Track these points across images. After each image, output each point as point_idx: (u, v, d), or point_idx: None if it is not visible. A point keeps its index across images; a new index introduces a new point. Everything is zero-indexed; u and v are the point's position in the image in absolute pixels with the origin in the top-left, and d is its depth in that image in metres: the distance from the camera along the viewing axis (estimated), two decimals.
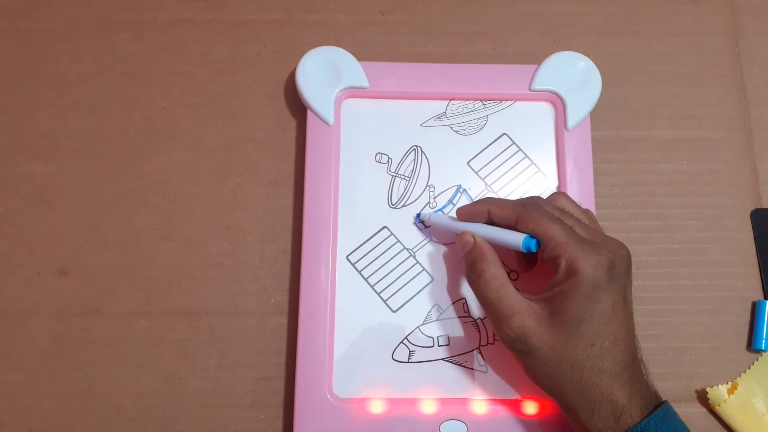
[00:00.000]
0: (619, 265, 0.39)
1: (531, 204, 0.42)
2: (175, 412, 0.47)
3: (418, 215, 0.48)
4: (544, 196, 0.48)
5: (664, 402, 0.39)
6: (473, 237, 0.43)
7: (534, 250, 0.40)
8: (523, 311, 0.39)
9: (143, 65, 0.53)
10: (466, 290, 0.47)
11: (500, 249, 0.43)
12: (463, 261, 0.43)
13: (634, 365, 0.39)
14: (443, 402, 0.45)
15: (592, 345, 0.38)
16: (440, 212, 0.48)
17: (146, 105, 0.52)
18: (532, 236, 0.40)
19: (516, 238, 0.41)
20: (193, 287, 0.49)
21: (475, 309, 0.47)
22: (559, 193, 0.45)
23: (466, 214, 0.45)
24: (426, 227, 0.48)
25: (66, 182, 0.50)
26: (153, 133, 0.51)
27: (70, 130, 0.51)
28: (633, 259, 0.49)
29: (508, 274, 0.42)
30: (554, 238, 0.39)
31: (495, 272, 0.41)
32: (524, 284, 0.46)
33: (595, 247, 0.39)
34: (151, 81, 0.53)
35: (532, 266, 0.45)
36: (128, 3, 0.54)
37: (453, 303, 0.47)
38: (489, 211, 0.43)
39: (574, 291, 0.38)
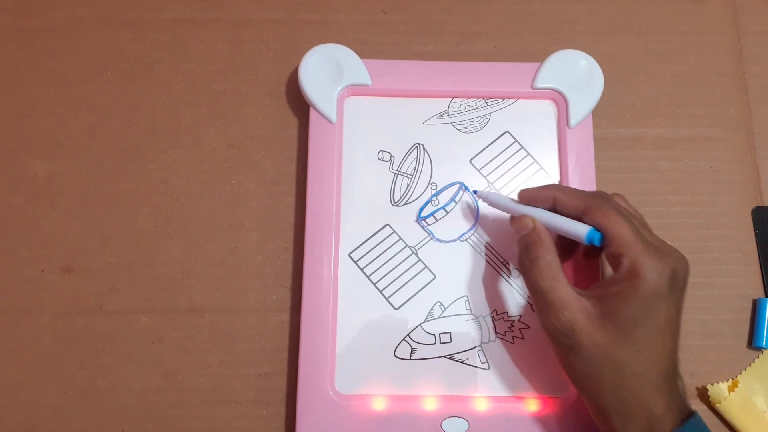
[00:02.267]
0: (680, 275, 0.38)
1: (601, 196, 0.41)
2: (176, 408, 0.47)
3: (421, 212, 0.48)
4: None
5: (694, 413, 0.38)
6: (533, 221, 0.42)
7: (597, 243, 0.39)
8: (574, 305, 0.38)
9: (145, 64, 0.53)
10: (468, 288, 0.47)
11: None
12: (517, 244, 0.42)
13: (674, 377, 0.38)
14: (445, 399, 0.45)
15: (639, 352, 0.37)
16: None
17: (148, 104, 0.52)
18: (597, 229, 0.39)
19: (580, 229, 0.40)
20: (195, 285, 0.49)
21: (478, 306, 0.47)
22: (617, 194, 0.44)
23: (529, 197, 0.44)
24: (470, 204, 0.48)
25: (68, 180, 0.51)
26: (155, 131, 0.52)
27: (72, 128, 0.52)
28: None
29: None
30: (621, 235, 0.38)
31: (551, 260, 0.40)
32: None
33: (661, 254, 0.38)
34: (153, 80, 0.53)
35: (566, 259, 0.45)
36: (130, 2, 0.54)
37: (455, 300, 0.47)
38: (555, 197, 0.42)
39: (632, 294, 0.37)
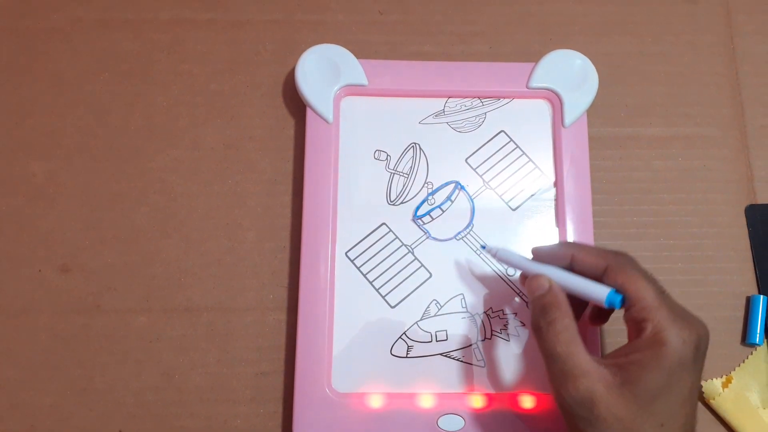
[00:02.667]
0: (703, 345, 0.36)
1: (624, 256, 0.39)
2: (174, 407, 0.47)
3: (417, 211, 0.49)
4: (541, 192, 0.49)
5: None
6: (549, 281, 0.39)
7: (617, 307, 0.37)
8: (592, 374, 0.35)
9: (143, 65, 0.53)
10: (464, 286, 0.48)
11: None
12: (530, 305, 0.40)
13: None
14: (441, 396, 0.45)
15: (662, 425, 0.35)
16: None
17: (146, 104, 0.52)
18: (617, 291, 0.37)
19: (599, 291, 0.38)
20: (192, 284, 0.49)
21: (473, 304, 0.47)
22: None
23: (545, 255, 0.42)
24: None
25: (66, 180, 0.51)
26: (153, 131, 0.52)
27: (70, 129, 0.52)
28: (629, 254, 0.49)
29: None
30: (645, 299, 0.36)
31: (568, 324, 0.37)
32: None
33: (686, 321, 0.36)
34: (151, 80, 0.53)
35: (603, 322, 0.43)
36: (129, 3, 0.54)
37: (451, 298, 0.47)
38: (573, 256, 0.40)
39: (656, 363, 0.35)
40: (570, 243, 0.42)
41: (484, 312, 0.47)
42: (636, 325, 0.37)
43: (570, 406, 0.36)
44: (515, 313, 0.47)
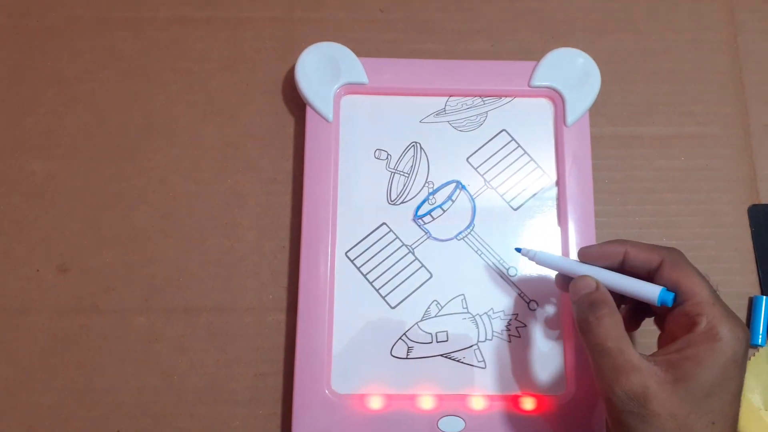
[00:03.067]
0: (749, 343, 0.37)
1: (678, 252, 0.39)
2: (173, 408, 0.47)
3: (417, 211, 0.48)
4: (543, 191, 0.49)
5: None
6: (595, 281, 0.39)
7: (669, 305, 0.37)
8: (644, 370, 0.35)
9: (143, 63, 0.53)
10: (465, 286, 0.47)
11: None
12: (576, 305, 0.39)
13: None
14: (441, 398, 0.45)
15: (714, 423, 0.34)
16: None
17: (145, 102, 0.52)
18: (670, 288, 0.37)
19: (650, 289, 0.38)
20: (191, 284, 0.49)
21: (474, 305, 0.47)
22: None
23: (595, 254, 0.41)
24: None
25: (65, 179, 0.50)
26: (152, 130, 0.52)
27: (69, 127, 0.52)
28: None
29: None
30: (700, 294, 0.36)
31: (618, 320, 0.37)
32: None
33: (738, 320, 0.36)
34: (151, 78, 0.53)
35: (635, 328, 0.43)
36: (128, 1, 0.54)
37: (452, 299, 0.47)
38: (627, 252, 0.40)
39: (710, 358, 0.35)
40: (622, 240, 0.41)
41: (485, 313, 0.47)
42: (689, 320, 0.36)
43: (621, 401, 0.35)
44: (516, 314, 0.47)
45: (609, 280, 0.40)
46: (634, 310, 0.43)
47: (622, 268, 0.40)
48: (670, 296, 0.37)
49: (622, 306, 0.42)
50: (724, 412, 0.35)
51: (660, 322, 0.41)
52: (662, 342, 0.40)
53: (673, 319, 0.38)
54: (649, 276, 0.39)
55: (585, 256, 0.41)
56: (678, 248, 0.39)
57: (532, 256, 0.44)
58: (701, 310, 0.36)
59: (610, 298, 0.39)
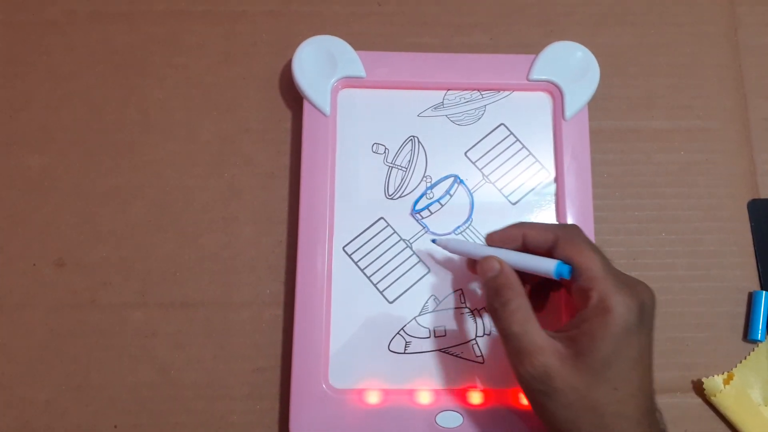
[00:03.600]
0: (648, 308, 0.38)
1: (572, 228, 0.41)
2: (170, 403, 0.47)
3: (415, 205, 0.48)
4: (541, 186, 0.49)
5: None
6: (499, 263, 0.40)
7: (567, 277, 0.38)
8: (547, 349, 0.37)
9: (138, 57, 0.53)
10: (463, 281, 0.47)
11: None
12: (484, 288, 0.41)
13: (653, 412, 0.37)
14: (439, 393, 0.45)
15: (616, 389, 0.36)
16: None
17: (141, 97, 0.52)
18: (565, 262, 0.39)
19: (548, 264, 0.39)
20: (188, 279, 0.48)
21: (472, 300, 0.47)
22: None
23: (498, 239, 0.42)
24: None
25: (61, 174, 0.50)
26: (148, 124, 0.51)
27: (65, 122, 0.51)
28: (629, 249, 0.49)
29: None
30: (591, 269, 0.38)
31: (521, 303, 0.38)
32: None
33: (630, 288, 0.37)
34: (146, 73, 0.52)
35: (542, 309, 0.44)
36: None
37: (449, 294, 0.47)
38: (524, 234, 0.41)
39: (603, 331, 0.36)
40: (520, 223, 0.43)
41: (483, 308, 0.47)
42: (583, 294, 0.38)
43: (528, 382, 0.38)
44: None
45: (511, 260, 0.41)
46: (542, 288, 0.44)
47: (526, 250, 0.42)
48: (566, 269, 0.38)
49: (527, 285, 0.43)
50: (624, 378, 0.36)
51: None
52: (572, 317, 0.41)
53: (573, 295, 0.39)
54: (548, 254, 0.40)
55: (490, 240, 0.43)
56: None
57: (445, 245, 0.45)
58: (592, 284, 0.37)
59: (515, 280, 0.40)
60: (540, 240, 0.41)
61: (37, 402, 0.46)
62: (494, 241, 0.43)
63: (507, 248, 0.42)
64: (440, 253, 0.47)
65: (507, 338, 0.39)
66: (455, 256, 0.47)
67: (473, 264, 0.44)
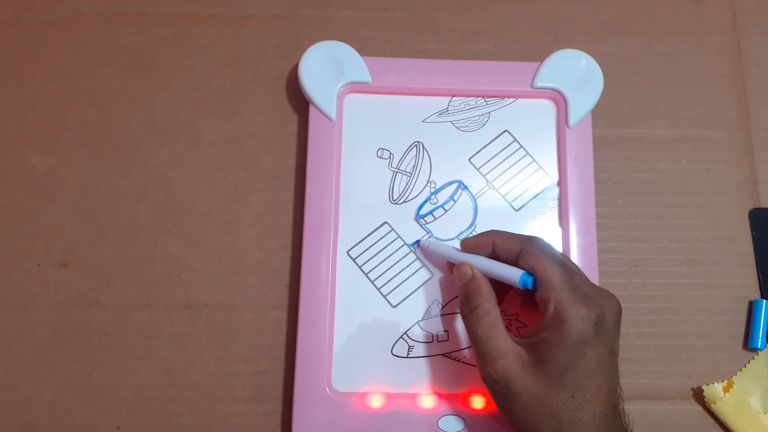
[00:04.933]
0: (608, 319, 0.38)
1: (537, 240, 0.41)
2: (173, 404, 0.47)
3: (419, 211, 0.48)
4: (544, 192, 0.49)
5: None
6: (471, 269, 0.42)
7: (530, 287, 0.40)
8: (509, 354, 0.39)
9: (145, 59, 0.53)
10: None
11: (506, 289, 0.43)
12: (459, 292, 0.43)
13: (614, 417, 0.38)
14: (441, 397, 0.45)
15: (573, 397, 0.37)
16: (438, 240, 0.47)
17: (148, 98, 0.52)
18: (528, 273, 0.40)
19: (513, 273, 0.40)
20: (192, 280, 0.49)
21: None
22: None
23: (471, 245, 0.44)
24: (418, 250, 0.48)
25: (66, 174, 0.50)
26: (154, 126, 0.51)
27: (71, 122, 0.51)
28: (631, 256, 0.49)
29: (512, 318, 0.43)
30: (550, 280, 0.39)
31: (489, 309, 0.40)
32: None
33: (587, 300, 0.38)
34: (153, 74, 0.53)
35: (535, 309, 0.44)
36: None
37: (452, 299, 0.47)
38: (494, 242, 0.43)
39: (559, 341, 0.37)
40: (491, 231, 0.44)
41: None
42: (543, 304, 0.39)
43: (490, 383, 0.39)
44: (516, 315, 0.47)
45: (484, 267, 0.42)
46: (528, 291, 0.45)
47: (496, 257, 0.43)
48: (530, 279, 0.40)
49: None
50: (581, 386, 0.37)
51: None
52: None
53: (537, 303, 0.40)
54: (515, 263, 0.41)
55: (464, 246, 0.45)
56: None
57: (426, 247, 0.47)
58: (550, 295, 0.38)
59: (485, 285, 0.41)
60: (507, 249, 0.42)
61: (40, 402, 0.47)
62: (468, 247, 0.45)
63: (478, 254, 0.43)
64: (445, 258, 0.48)
65: (474, 341, 0.40)
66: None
67: (451, 266, 0.45)
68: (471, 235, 0.47)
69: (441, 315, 0.47)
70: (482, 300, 0.41)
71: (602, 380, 0.38)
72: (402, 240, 0.48)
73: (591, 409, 0.37)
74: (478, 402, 0.45)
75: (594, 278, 0.47)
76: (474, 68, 0.51)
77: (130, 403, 0.47)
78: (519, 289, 0.42)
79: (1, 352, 0.47)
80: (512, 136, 0.50)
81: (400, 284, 0.47)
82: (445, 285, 0.47)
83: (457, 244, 0.48)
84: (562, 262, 0.40)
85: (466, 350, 0.46)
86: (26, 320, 0.48)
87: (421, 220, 0.48)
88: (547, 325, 0.38)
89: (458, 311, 0.47)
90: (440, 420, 0.44)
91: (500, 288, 0.44)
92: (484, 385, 0.45)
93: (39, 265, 0.49)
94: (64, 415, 0.46)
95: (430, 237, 0.48)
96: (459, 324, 0.47)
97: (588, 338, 0.37)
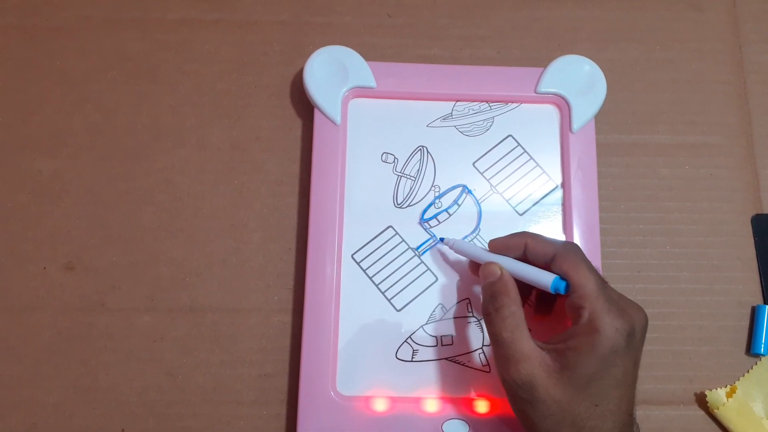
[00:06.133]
0: (638, 331, 0.38)
1: (572, 246, 0.41)
2: (177, 407, 0.47)
3: (424, 214, 0.49)
4: (548, 197, 0.49)
5: None
6: (500, 269, 0.41)
7: (563, 292, 0.39)
8: (533, 359, 0.38)
9: (150, 64, 0.53)
10: (470, 290, 0.47)
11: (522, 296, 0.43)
12: (483, 292, 0.42)
13: (630, 425, 0.38)
14: (446, 401, 0.45)
15: (596, 405, 0.37)
16: (466, 239, 0.47)
17: (153, 103, 0.52)
18: (562, 278, 0.39)
19: (546, 278, 0.40)
20: (197, 284, 0.49)
21: (479, 309, 0.47)
22: None
23: (500, 246, 0.43)
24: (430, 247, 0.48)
25: (72, 179, 0.51)
26: (159, 131, 0.52)
27: (76, 127, 0.52)
28: (634, 261, 0.49)
29: None
30: (585, 287, 0.38)
31: (515, 311, 0.39)
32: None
33: (620, 310, 0.38)
34: (158, 80, 0.53)
35: (547, 313, 0.45)
36: (136, 2, 0.54)
37: (457, 303, 0.47)
38: (526, 244, 0.42)
39: (590, 350, 0.37)
40: (523, 232, 0.43)
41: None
42: (575, 312, 0.39)
43: (512, 387, 0.39)
44: None
45: (513, 268, 0.42)
46: (543, 297, 0.45)
47: (526, 260, 0.42)
48: (563, 284, 0.39)
49: (534, 292, 0.45)
50: (606, 396, 0.37)
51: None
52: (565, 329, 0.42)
53: (566, 309, 0.40)
54: (547, 267, 0.41)
55: (493, 246, 0.44)
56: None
57: (452, 245, 0.46)
58: (584, 302, 0.38)
59: (512, 286, 0.40)
60: (540, 252, 0.41)
61: (45, 404, 0.47)
62: (497, 248, 0.44)
63: (509, 256, 0.43)
64: (448, 261, 0.48)
65: (496, 343, 0.40)
66: (463, 264, 0.47)
67: (476, 267, 0.44)
68: (474, 239, 0.47)
69: (445, 319, 0.47)
70: (508, 301, 0.40)
71: (625, 390, 0.38)
72: (406, 244, 0.48)
73: (612, 419, 0.37)
74: (482, 406, 0.45)
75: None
76: (478, 73, 0.51)
77: (134, 405, 0.47)
78: (532, 299, 0.42)
79: (7, 354, 0.47)
80: (516, 140, 0.50)
81: (404, 288, 0.47)
82: (449, 289, 0.47)
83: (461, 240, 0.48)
84: (596, 271, 0.40)
85: (470, 354, 0.46)
86: (31, 323, 0.48)
87: (426, 224, 0.49)
88: (578, 332, 0.38)
89: (461, 315, 0.47)
90: (445, 424, 0.44)
91: (546, 299, 0.44)
92: (488, 390, 0.46)
93: (45, 268, 0.49)
94: (68, 417, 0.46)
95: (455, 239, 0.47)
96: (463, 328, 0.47)
97: (620, 349, 0.37)
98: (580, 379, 0.37)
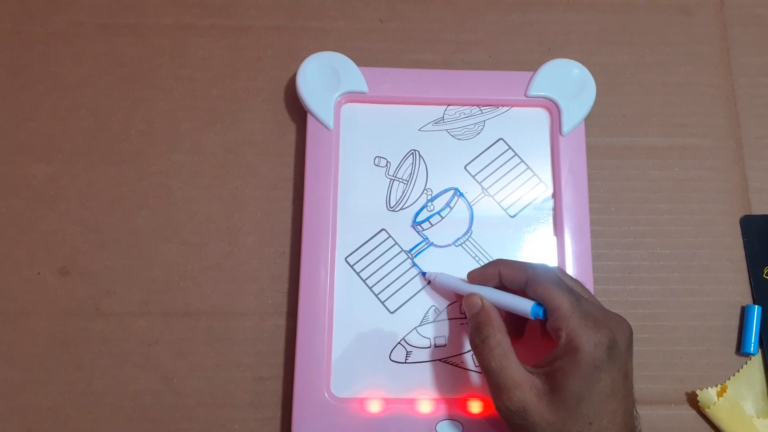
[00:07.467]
0: (620, 342, 0.38)
1: (542, 268, 0.41)
2: (172, 411, 0.47)
3: (416, 218, 0.49)
4: (539, 200, 0.50)
5: None
6: (481, 299, 0.42)
7: (542, 317, 0.40)
8: (524, 384, 0.38)
9: (144, 69, 0.53)
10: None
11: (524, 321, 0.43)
12: (468, 323, 0.42)
13: None
14: (439, 402, 0.46)
15: (591, 423, 0.37)
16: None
17: (147, 108, 0.53)
18: (539, 303, 0.40)
19: (524, 305, 0.40)
20: (191, 288, 0.49)
21: None
22: (557, 267, 0.45)
23: (477, 276, 0.44)
24: (427, 282, 0.48)
25: (66, 183, 0.51)
26: (154, 136, 0.52)
27: (71, 132, 0.52)
28: (624, 263, 0.50)
29: None
30: (559, 308, 0.38)
31: (500, 339, 0.40)
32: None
33: (598, 324, 0.38)
34: (153, 85, 0.53)
35: (520, 336, 0.45)
36: (131, 8, 0.55)
37: (450, 305, 0.48)
38: (500, 272, 0.43)
39: (573, 369, 0.37)
40: (497, 261, 0.44)
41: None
42: (555, 333, 0.39)
43: (507, 416, 0.39)
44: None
45: (493, 297, 0.42)
46: (513, 320, 0.45)
47: (503, 287, 0.43)
48: (541, 310, 0.40)
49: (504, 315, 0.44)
50: (598, 412, 0.37)
51: None
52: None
53: (549, 331, 0.40)
54: (523, 293, 0.41)
55: (471, 277, 0.45)
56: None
57: (433, 278, 0.47)
58: (561, 324, 0.38)
59: (495, 315, 0.41)
60: (514, 279, 0.42)
61: (40, 409, 0.47)
62: (474, 279, 0.45)
63: (488, 285, 0.43)
64: (440, 264, 0.48)
65: (487, 373, 0.40)
66: (455, 269, 0.48)
67: (461, 297, 0.45)
68: (467, 241, 0.48)
69: (438, 320, 0.47)
70: (493, 330, 0.40)
71: (617, 404, 0.38)
72: (399, 247, 0.48)
73: None
74: (475, 406, 0.45)
75: (589, 285, 0.47)
76: (469, 78, 0.51)
77: (129, 410, 0.47)
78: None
79: (1, 359, 0.47)
80: (507, 144, 0.51)
81: (397, 290, 0.48)
82: (442, 291, 0.48)
83: (454, 250, 0.49)
84: (569, 287, 0.40)
85: (463, 355, 0.47)
86: (26, 328, 0.48)
87: (418, 227, 0.49)
88: (560, 353, 0.38)
89: (454, 317, 0.47)
90: (438, 425, 0.45)
91: (519, 320, 0.44)
92: (481, 390, 0.46)
93: (39, 273, 0.49)
94: (63, 422, 0.47)
95: (437, 273, 0.47)
96: (456, 329, 0.47)
97: (601, 363, 0.37)
98: (570, 399, 0.37)
